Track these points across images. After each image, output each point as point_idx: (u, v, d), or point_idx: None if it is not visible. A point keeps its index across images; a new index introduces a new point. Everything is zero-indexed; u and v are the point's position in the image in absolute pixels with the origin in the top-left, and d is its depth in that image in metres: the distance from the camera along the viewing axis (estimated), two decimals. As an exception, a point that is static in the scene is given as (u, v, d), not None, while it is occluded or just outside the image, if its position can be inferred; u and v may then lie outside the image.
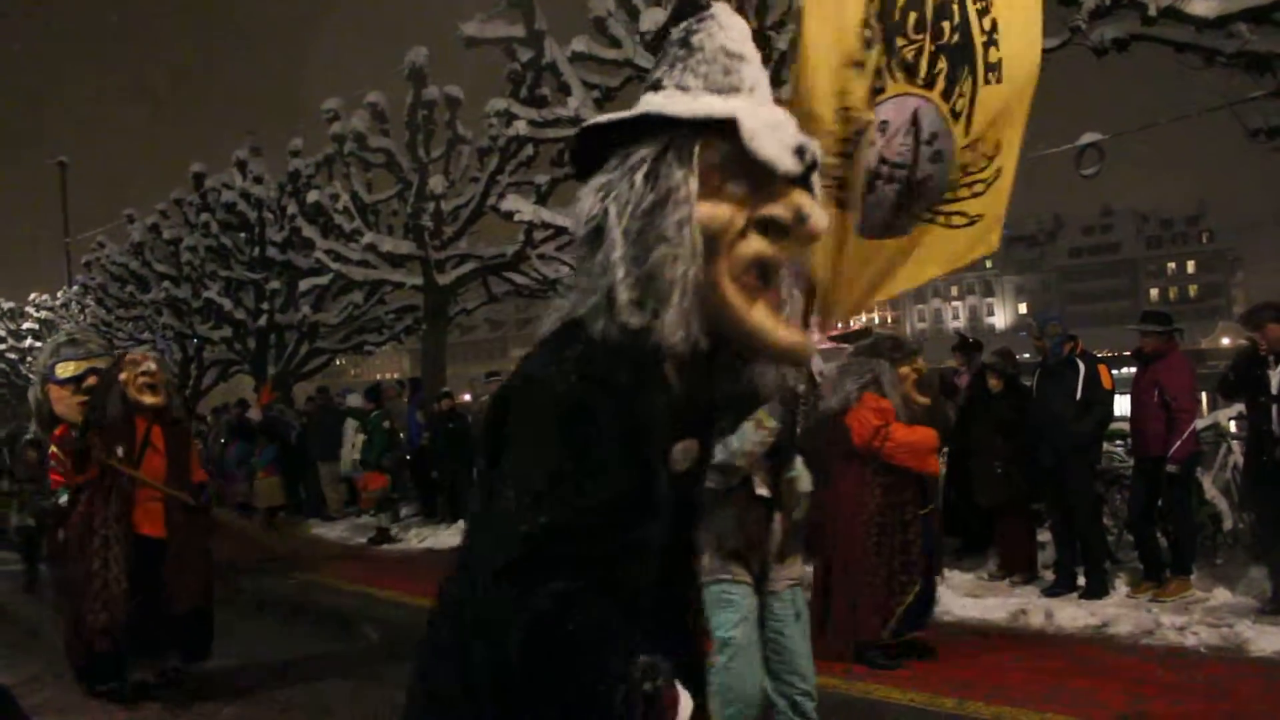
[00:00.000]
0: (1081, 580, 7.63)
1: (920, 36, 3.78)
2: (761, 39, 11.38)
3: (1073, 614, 7.15)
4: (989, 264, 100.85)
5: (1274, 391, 6.83)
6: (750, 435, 3.77)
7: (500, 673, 1.52)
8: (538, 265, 16.01)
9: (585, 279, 1.72)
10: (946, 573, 8.39)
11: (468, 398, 19.46)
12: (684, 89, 1.75)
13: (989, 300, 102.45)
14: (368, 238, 15.97)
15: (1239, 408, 7.96)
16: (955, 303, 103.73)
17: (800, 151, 1.70)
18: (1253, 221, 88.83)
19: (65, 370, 8.76)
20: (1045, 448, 7.66)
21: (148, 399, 6.62)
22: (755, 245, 1.70)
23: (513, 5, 11.70)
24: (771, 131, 1.69)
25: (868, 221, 3.81)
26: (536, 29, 11.57)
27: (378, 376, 48.73)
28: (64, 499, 8.90)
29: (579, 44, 11.74)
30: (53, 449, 9.21)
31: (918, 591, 6.21)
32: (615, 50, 11.79)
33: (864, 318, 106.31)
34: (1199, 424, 7.86)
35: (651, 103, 1.76)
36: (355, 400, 15.16)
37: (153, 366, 6.77)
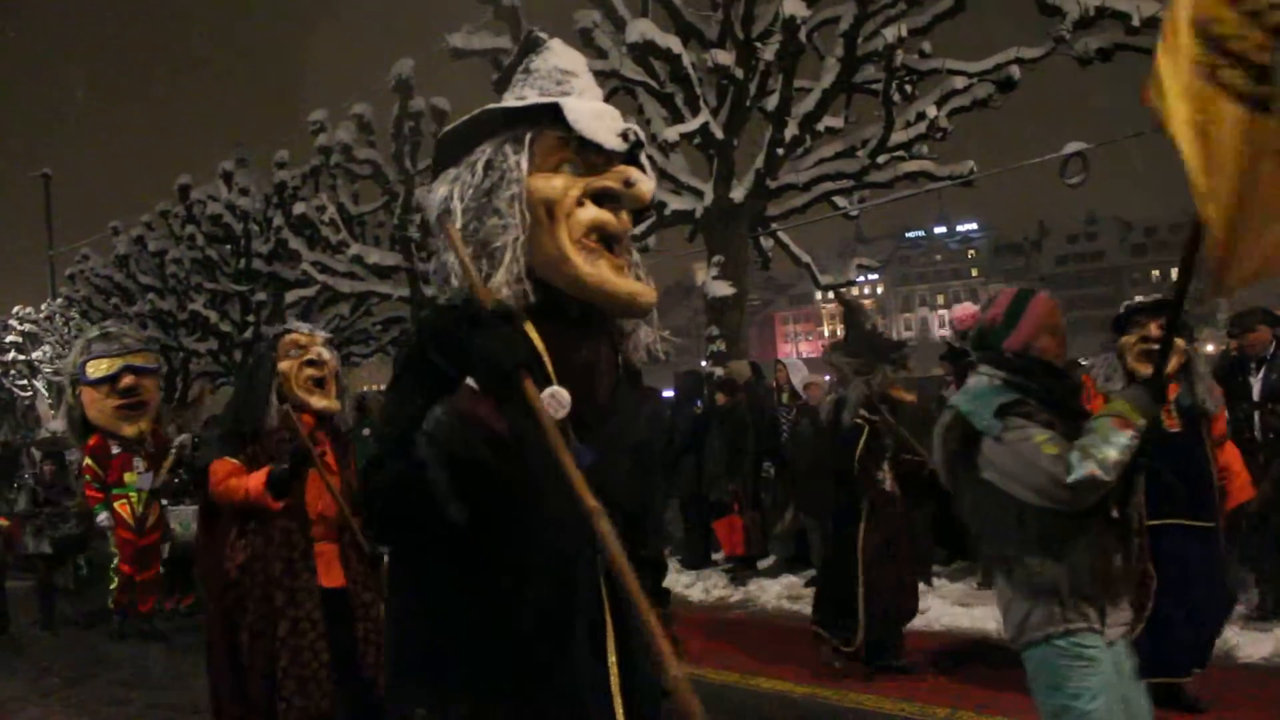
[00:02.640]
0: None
1: None
2: (748, 50, 11.41)
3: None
4: (975, 272, 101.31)
5: (1256, 397, 6.86)
6: (1117, 438, 2.86)
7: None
8: (525, 276, 15.95)
9: (438, 258, 2.08)
10: (936, 582, 8.40)
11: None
12: (520, 100, 2.09)
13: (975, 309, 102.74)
14: (354, 249, 15.93)
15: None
16: (941, 311, 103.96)
17: (624, 134, 2.03)
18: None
19: (98, 369, 8.17)
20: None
21: (317, 400, 4.59)
22: (591, 212, 2.01)
23: (499, 17, 11.70)
24: (596, 118, 2.02)
25: None
26: (522, 40, 11.57)
27: (364, 388, 48.58)
28: (102, 517, 8.31)
29: (565, 55, 11.74)
30: (86, 462, 8.47)
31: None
32: (601, 61, 11.79)
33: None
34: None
35: (489, 108, 2.09)
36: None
37: (325, 354, 4.64)
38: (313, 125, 16.10)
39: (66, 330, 30.45)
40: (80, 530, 9.25)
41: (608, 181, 2.02)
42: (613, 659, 1.92)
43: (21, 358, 36.40)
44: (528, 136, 2.03)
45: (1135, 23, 9.08)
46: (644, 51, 11.22)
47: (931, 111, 11.63)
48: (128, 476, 8.36)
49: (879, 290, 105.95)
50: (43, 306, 35.37)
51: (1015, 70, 11.12)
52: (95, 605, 9.24)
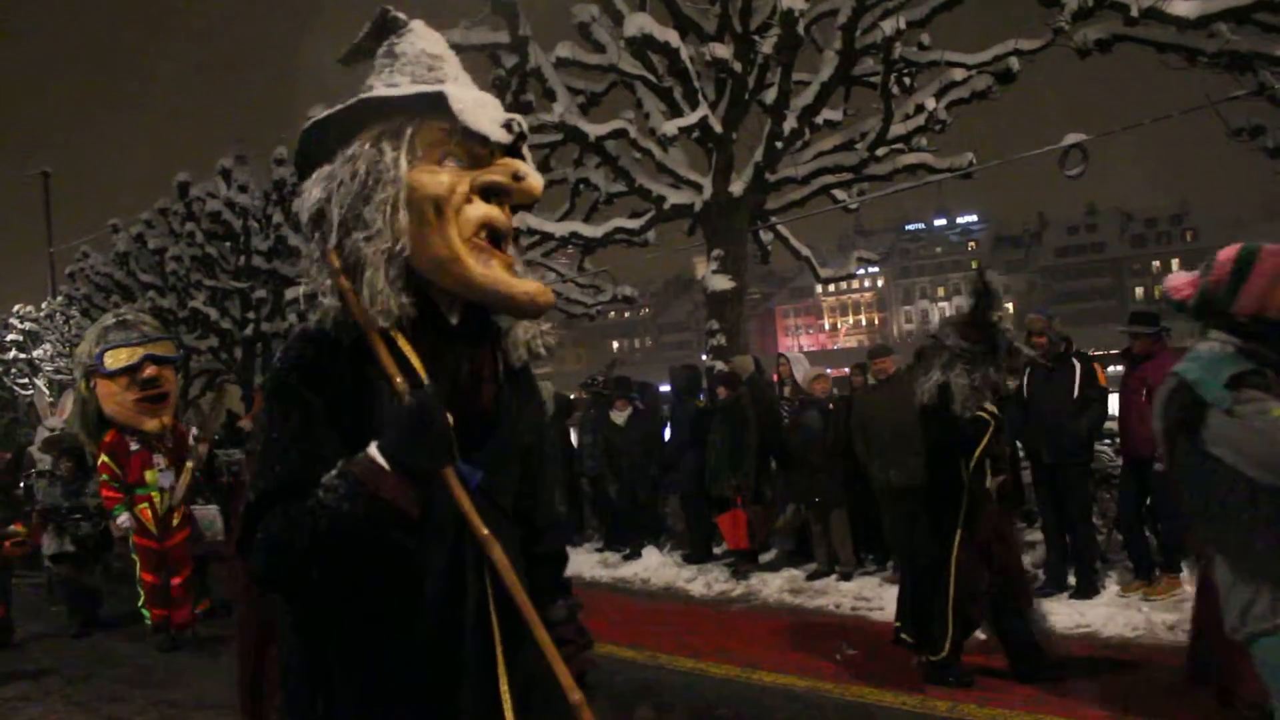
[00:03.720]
0: (1071, 580, 7.64)
1: None
2: (746, 43, 11.39)
3: (1064, 614, 7.15)
4: (975, 264, 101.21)
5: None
6: None
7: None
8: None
9: (311, 265, 1.95)
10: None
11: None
12: (393, 86, 1.95)
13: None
14: (354, 245, 15.92)
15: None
16: (942, 303, 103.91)
17: (508, 125, 1.92)
18: (1236, 219, 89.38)
19: (116, 359, 7.61)
20: (1044, 447, 7.66)
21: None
22: (480, 209, 1.88)
23: (496, 11, 11.68)
24: (480, 108, 1.91)
25: None
26: (520, 35, 11.55)
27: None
28: (122, 519, 7.70)
29: (563, 49, 11.72)
30: (102, 459, 7.83)
31: None
32: (599, 55, 11.78)
33: (850, 320, 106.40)
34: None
35: (364, 97, 1.96)
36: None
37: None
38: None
39: (67, 328, 30.45)
40: (103, 528, 8.75)
41: (495, 176, 1.91)
42: (504, 687, 1.85)
43: (22, 356, 36.42)
44: (408, 131, 1.88)
45: (1134, 14, 9.04)
46: (642, 45, 11.20)
47: (930, 104, 11.61)
48: (148, 475, 7.85)
49: (879, 283, 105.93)
50: (43, 305, 35.37)
51: (1014, 62, 11.10)
52: (126, 608, 8.66)
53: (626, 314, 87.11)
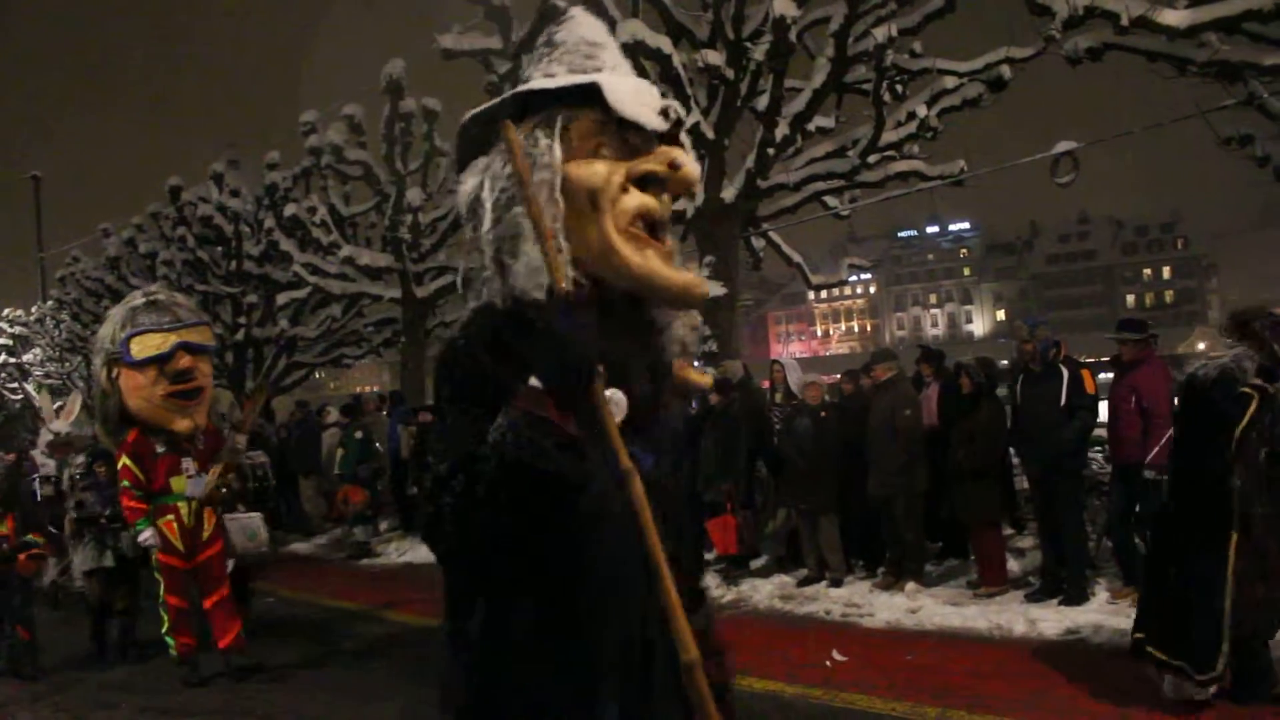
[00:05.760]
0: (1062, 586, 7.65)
1: None
2: (739, 50, 11.41)
3: (1053, 620, 7.16)
4: (967, 271, 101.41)
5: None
6: None
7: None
8: (517, 277, 15.97)
9: (468, 255, 1.94)
10: (927, 581, 8.42)
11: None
12: (550, 76, 1.92)
13: (967, 308, 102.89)
14: (345, 251, 15.91)
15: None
16: (934, 310, 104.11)
17: (664, 112, 1.90)
18: (1226, 228, 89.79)
19: (144, 346, 6.58)
20: (1033, 454, 7.67)
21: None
22: (636, 199, 1.86)
23: (489, 18, 11.69)
24: (635, 95, 1.89)
25: None
26: (513, 41, 11.56)
27: (357, 390, 48.55)
28: (145, 535, 6.61)
29: (556, 55, 11.73)
30: (123, 462, 6.72)
31: None
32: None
33: (852, 326, 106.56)
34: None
35: (519, 90, 1.93)
36: (333, 414, 15.10)
37: None
38: (303, 126, 16.07)
39: (57, 333, 30.35)
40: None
41: (652, 165, 1.88)
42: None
43: (12, 360, 36.29)
44: (559, 120, 1.87)
45: (1124, 22, 9.08)
46: (634, 52, 11.20)
47: (922, 111, 11.64)
48: (175, 482, 6.75)
49: (872, 290, 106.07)
50: (33, 309, 35.27)
51: (1005, 70, 11.14)
52: (149, 634, 7.61)
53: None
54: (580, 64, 1.93)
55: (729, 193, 11.98)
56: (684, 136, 1.96)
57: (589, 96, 1.86)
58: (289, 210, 16.84)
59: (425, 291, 16.18)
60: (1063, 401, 7.57)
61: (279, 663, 7.42)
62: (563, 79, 1.90)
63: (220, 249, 20.28)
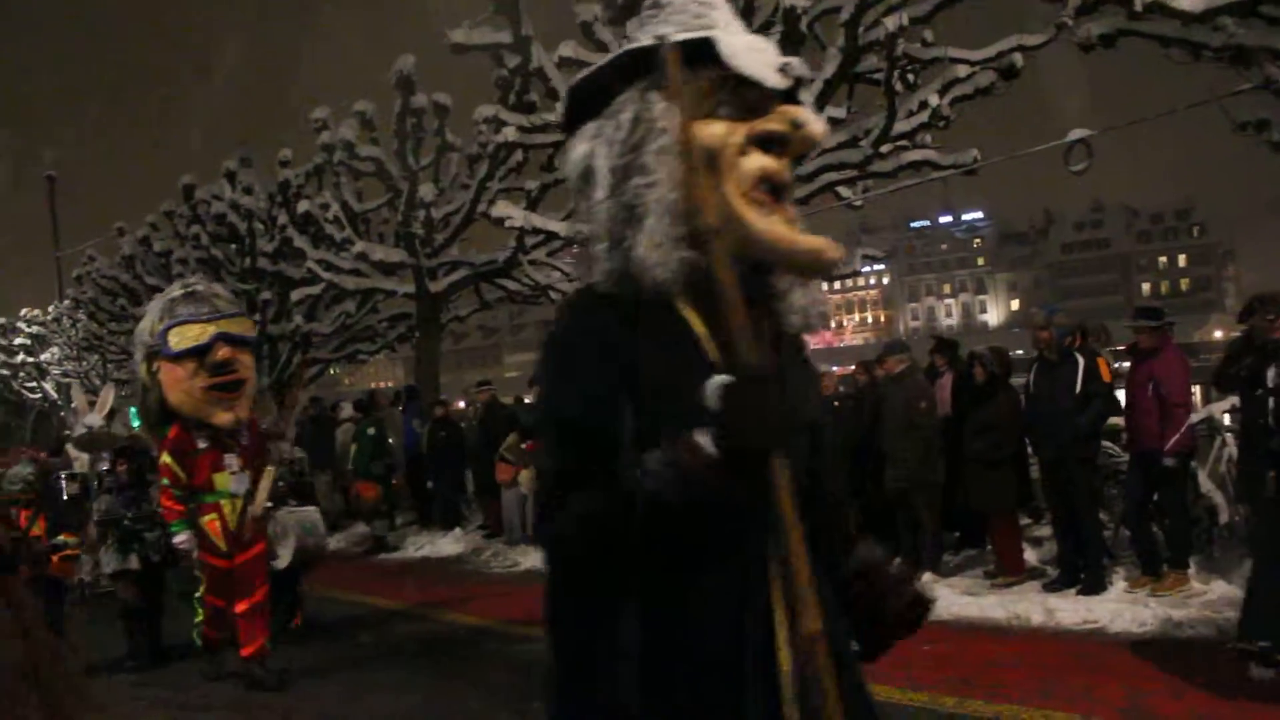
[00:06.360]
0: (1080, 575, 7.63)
1: None
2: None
3: (1071, 610, 7.14)
4: (980, 261, 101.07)
5: (1270, 384, 6.81)
6: None
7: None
8: (529, 271, 15.98)
9: (580, 225, 1.84)
10: (944, 571, 8.40)
11: (463, 404, 19.43)
12: (660, 37, 1.78)
13: (981, 298, 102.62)
14: (359, 247, 15.93)
15: (1233, 400, 7.95)
16: (948, 300, 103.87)
17: (784, 69, 1.76)
18: (1242, 214, 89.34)
19: (183, 338, 6.43)
20: (1046, 442, 7.65)
21: None
22: (759, 160, 1.74)
23: (499, 11, 11.68)
24: (753, 52, 1.76)
25: None
26: (523, 35, 11.55)
27: (371, 385, 48.72)
28: (182, 538, 6.43)
29: (566, 49, 11.72)
30: (164, 460, 6.53)
31: None
32: (602, 55, 11.74)
33: (857, 318, 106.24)
34: (1193, 417, 7.85)
35: (629, 49, 1.81)
36: (347, 410, 15.16)
37: None
38: (315, 123, 16.09)
39: (74, 332, 30.56)
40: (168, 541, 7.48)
41: (773, 124, 1.76)
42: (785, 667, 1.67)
43: (30, 360, 36.58)
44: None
45: (1138, 8, 9.01)
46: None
47: (934, 100, 11.58)
48: (218, 479, 6.58)
49: (885, 280, 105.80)
50: (50, 308, 35.53)
51: (1018, 58, 11.07)
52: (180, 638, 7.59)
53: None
54: (690, 23, 1.80)
55: (741, 184, 11.94)
56: (804, 94, 1.85)
57: (703, 54, 1.75)
58: (302, 207, 16.89)
59: (439, 286, 16.20)
60: (1078, 389, 7.54)
61: (299, 659, 7.46)
62: (673, 38, 1.77)
63: (234, 246, 20.35)
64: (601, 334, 1.68)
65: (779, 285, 1.84)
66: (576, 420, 1.66)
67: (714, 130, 1.73)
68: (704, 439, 1.50)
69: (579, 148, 1.83)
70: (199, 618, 6.73)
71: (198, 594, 6.69)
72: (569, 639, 1.76)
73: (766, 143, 1.76)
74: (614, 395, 1.64)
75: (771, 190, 1.76)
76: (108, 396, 10.49)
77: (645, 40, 1.80)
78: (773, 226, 1.74)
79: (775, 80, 1.76)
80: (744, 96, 1.76)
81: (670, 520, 1.54)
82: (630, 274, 1.70)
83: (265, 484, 6.72)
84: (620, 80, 1.81)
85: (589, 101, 1.85)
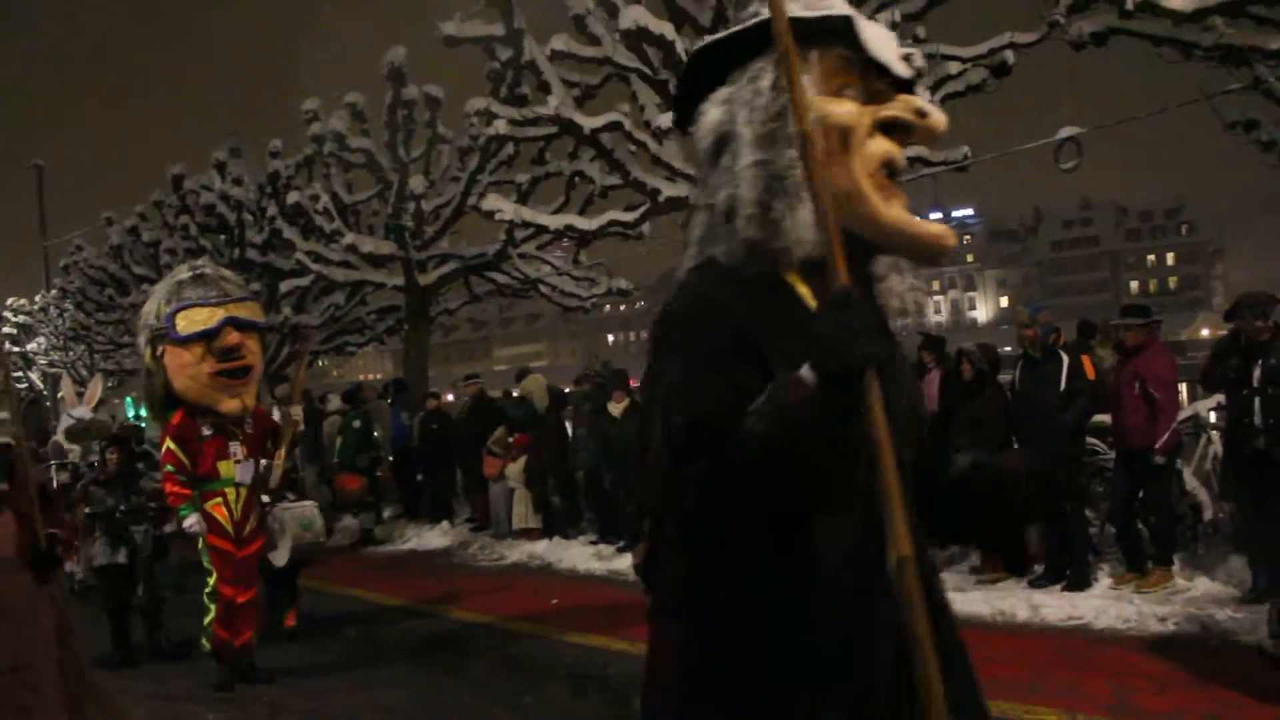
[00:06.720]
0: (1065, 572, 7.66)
1: None
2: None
3: (1056, 606, 7.17)
4: (970, 258, 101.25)
5: (1256, 384, 6.85)
6: None
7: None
8: (519, 264, 15.98)
9: (708, 194, 1.81)
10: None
11: (451, 398, 19.40)
12: (795, 15, 1.75)
13: (970, 294, 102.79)
14: (348, 239, 15.89)
15: (1218, 399, 7.99)
16: (937, 297, 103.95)
17: (908, 58, 1.81)
18: (1231, 213, 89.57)
19: (190, 322, 6.24)
20: (1031, 439, 7.67)
21: None
22: (884, 144, 1.77)
23: (491, 4, 11.64)
24: (884, 39, 1.79)
25: None
26: (515, 28, 11.51)
27: (360, 378, 48.60)
28: (190, 522, 6.22)
29: (558, 42, 11.70)
30: (168, 446, 6.38)
31: None
32: (594, 48, 11.74)
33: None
34: (1179, 415, 7.89)
35: (766, 18, 1.75)
36: (335, 402, 15.12)
37: None
38: (306, 114, 16.03)
39: (60, 321, 30.40)
40: (157, 535, 7.53)
41: (899, 111, 1.78)
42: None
43: (16, 349, 36.34)
44: (814, 54, 1.74)
45: (1129, 7, 9.04)
46: (637, 38, 11.17)
47: (925, 96, 11.60)
48: (223, 467, 6.40)
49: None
50: (37, 298, 35.32)
51: (1009, 55, 11.09)
52: (181, 635, 7.45)
53: (622, 307, 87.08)
54: (814, 3, 1.80)
55: (732, 179, 11.95)
56: (921, 88, 1.90)
57: (836, 32, 1.76)
58: (291, 198, 16.82)
59: (428, 279, 16.17)
60: (1062, 386, 7.58)
61: (286, 652, 7.45)
62: (801, 13, 1.75)
63: (223, 237, 20.28)
64: (728, 312, 1.67)
65: (878, 269, 1.85)
66: (695, 386, 1.63)
67: (848, 108, 1.74)
68: (804, 372, 1.51)
69: (712, 112, 1.82)
70: (209, 616, 6.44)
71: (208, 588, 6.44)
72: (701, 627, 1.71)
73: (889, 128, 1.78)
74: (730, 360, 1.63)
75: (891, 175, 1.79)
76: (96, 388, 10.44)
77: (765, 13, 1.75)
78: (895, 211, 1.77)
79: (902, 69, 1.80)
80: (869, 81, 1.78)
81: (781, 463, 1.50)
82: (767, 245, 1.70)
83: (279, 467, 6.56)
84: (749, 49, 1.80)
85: (712, 68, 1.86)
